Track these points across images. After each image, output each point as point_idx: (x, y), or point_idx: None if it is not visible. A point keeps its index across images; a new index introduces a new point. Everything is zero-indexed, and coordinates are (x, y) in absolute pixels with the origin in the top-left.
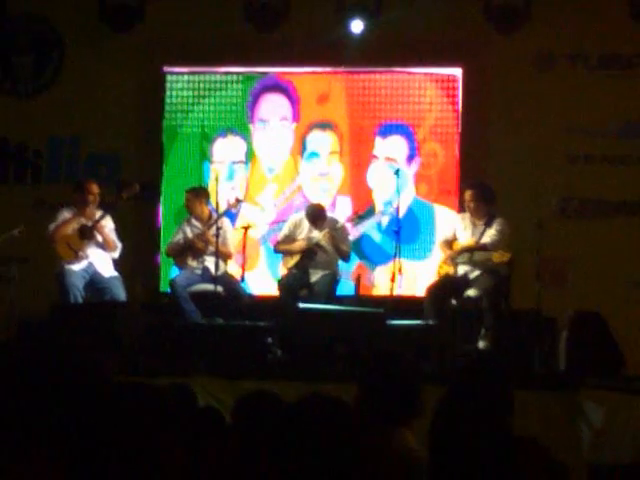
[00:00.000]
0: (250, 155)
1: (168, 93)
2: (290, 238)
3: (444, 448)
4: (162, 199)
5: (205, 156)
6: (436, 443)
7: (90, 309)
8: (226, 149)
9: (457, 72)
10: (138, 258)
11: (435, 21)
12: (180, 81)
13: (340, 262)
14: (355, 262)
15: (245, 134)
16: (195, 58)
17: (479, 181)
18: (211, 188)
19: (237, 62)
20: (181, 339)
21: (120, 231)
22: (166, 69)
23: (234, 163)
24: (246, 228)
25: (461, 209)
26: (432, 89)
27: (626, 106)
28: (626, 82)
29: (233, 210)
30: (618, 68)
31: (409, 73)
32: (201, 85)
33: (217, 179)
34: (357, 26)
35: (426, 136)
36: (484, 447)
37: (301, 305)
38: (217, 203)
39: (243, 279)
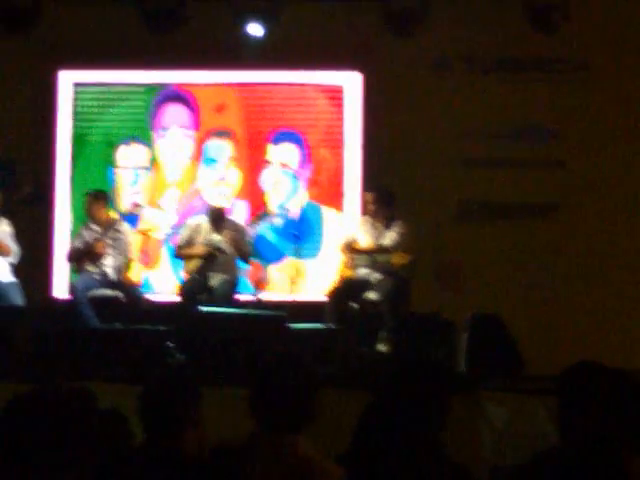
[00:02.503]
0: (152, 161)
1: (76, 102)
2: (190, 242)
3: (369, 462)
4: (71, 205)
5: (110, 162)
6: (359, 457)
7: None
8: (130, 155)
9: (355, 76)
10: (33, 263)
11: (333, 25)
12: (87, 92)
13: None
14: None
15: (147, 142)
16: (91, 60)
17: (379, 184)
18: (115, 192)
19: (134, 65)
20: (79, 345)
21: (17, 236)
22: (65, 74)
23: (137, 169)
24: (144, 232)
25: (363, 212)
26: (321, 99)
27: (522, 109)
28: (522, 86)
29: (134, 214)
30: (514, 72)
31: (301, 85)
32: (106, 96)
33: (120, 183)
34: (255, 29)
35: (316, 143)
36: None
37: (201, 308)
38: (120, 207)
39: (143, 283)
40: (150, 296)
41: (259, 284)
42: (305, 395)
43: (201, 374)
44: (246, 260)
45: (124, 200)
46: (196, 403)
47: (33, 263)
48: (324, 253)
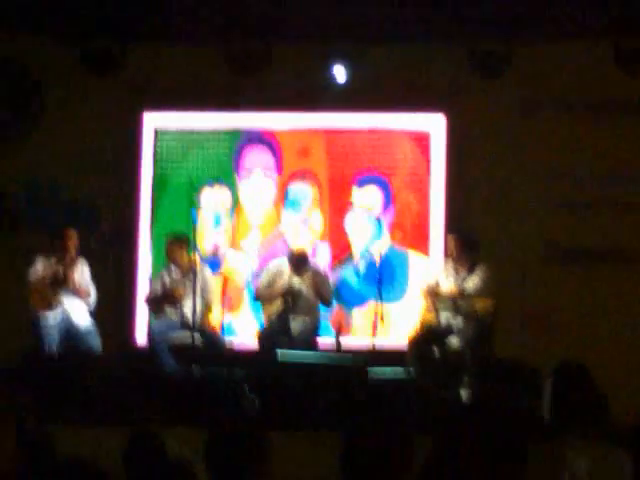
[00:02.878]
0: (235, 204)
1: (159, 144)
2: (270, 285)
3: None
4: (152, 247)
5: (193, 204)
6: None
7: (63, 359)
8: (213, 198)
9: (440, 119)
10: (115, 307)
11: (418, 67)
12: (169, 133)
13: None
14: (334, 305)
15: (231, 184)
16: (176, 103)
17: (462, 228)
18: (197, 235)
19: (218, 108)
20: (155, 390)
21: (97, 279)
22: (149, 116)
23: (220, 211)
24: (226, 276)
25: (445, 256)
26: (406, 143)
27: (611, 153)
28: (610, 129)
29: (215, 257)
30: (603, 114)
31: (386, 131)
32: (189, 137)
33: (203, 225)
34: (340, 72)
35: (400, 186)
36: None
37: (280, 352)
38: (202, 249)
39: (224, 327)
40: (232, 340)
41: (341, 329)
42: (399, 460)
43: (276, 420)
44: (327, 304)
45: (206, 243)
46: (265, 454)
47: (115, 307)
48: (408, 298)
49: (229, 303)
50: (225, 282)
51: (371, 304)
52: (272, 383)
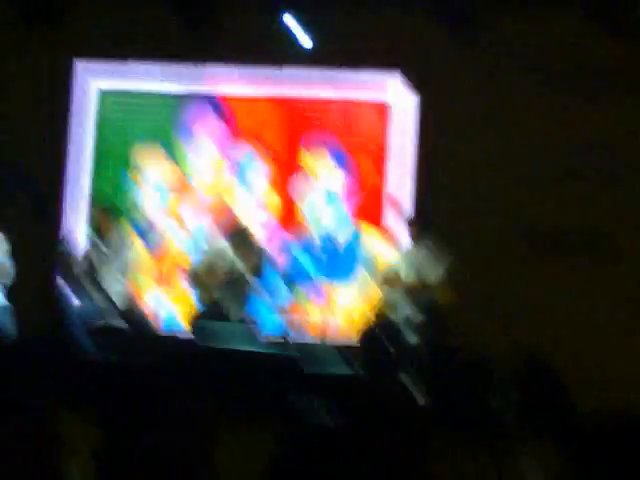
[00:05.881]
0: (180, 173)
1: (100, 109)
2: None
3: None
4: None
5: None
6: None
7: None
8: (157, 171)
9: (400, 85)
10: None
11: (379, 27)
12: (112, 98)
13: None
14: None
15: (177, 157)
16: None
17: (423, 208)
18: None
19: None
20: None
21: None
22: (83, 66)
23: (164, 186)
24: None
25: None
26: (365, 114)
27: (588, 122)
28: (586, 96)
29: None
30: (579, 80)
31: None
32: (134, 102)
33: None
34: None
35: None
36: None
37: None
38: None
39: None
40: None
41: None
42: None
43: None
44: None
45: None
46: None
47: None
48: (360, 280)
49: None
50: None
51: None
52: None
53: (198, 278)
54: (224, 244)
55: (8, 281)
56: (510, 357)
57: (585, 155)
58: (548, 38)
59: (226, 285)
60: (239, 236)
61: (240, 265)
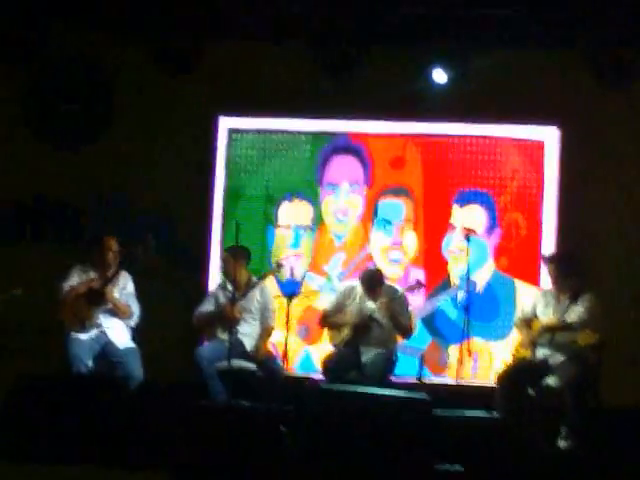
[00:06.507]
0: (318, 220)
1: (232, 151)
2: (339, 309)
3: None
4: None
5: (269, 220)
6: None
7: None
8: (292, 213)
9: (551, 133)
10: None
11: (529, 73)
12: (244, 139)
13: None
14: (428, 340)
15: (313, 198)
16: (255, 107)
17: (563, 251)
18: (276, 254)
19: (303, 113)
20: (200, 423)
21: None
22: (223, 120)
23: (300, 228)
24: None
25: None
26: (515, 155)
27: None
28: None
29: (290, 280)
30: None
31: (491, 138)
32: (267, 144)
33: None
34: (440, 76)
35: (508, 205)
36: None
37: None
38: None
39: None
40: (311, 377)
41: (436, 368)
42: None
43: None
44: (405, 334)
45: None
46: None
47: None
48: (500, 322)
49: (308, 334)
50: (305, 310)
51: (474, 341)
52: (317, 421)
53: (329, 318)
54: (357, 284)
55: (132, 322)
56: None
57: None
58: None
59: (356, 326)
60: (371, 279)
61: (371, 305)
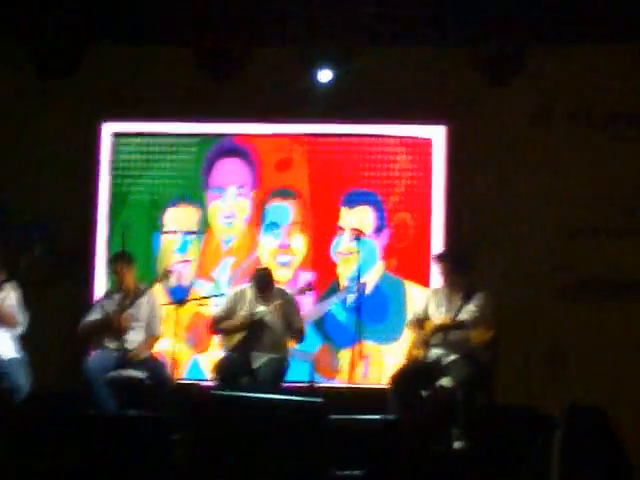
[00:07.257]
0: (204, 225)
1: (117, 156)
2: (229, 314)
3: None
4: (108, 275)
5: (155, 226)
6: None
7: None
8: (178, 218)
9: (438, 131)
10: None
11: (415, 71)
12: (129, 143)
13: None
14: (318, 344)
15: (199, 202)
16: (138, 110)
17: (452, 249)
18: (162, 261)
19: (187, 115)
20: (88, 432)
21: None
22: (106, 125)
23: (187, 234)
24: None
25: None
26: (403, 154)
27: (634, 172)
28: (632, 144)
29: (177, 287)
30: (627, 129)
31: (378, 137)
32: (152, 148)
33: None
34: (325, 76)
35: (396, 205)
36: None
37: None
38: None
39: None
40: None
41: (328, 372)
42: None
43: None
44: (298, 337)
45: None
46: None
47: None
48: (390, 323)
49: (197, 342)
50: (193, 317)
51: (365, 344)
52: (206, 428)
53: (220, 324)
54: (247, 288)
55: (19, 331)
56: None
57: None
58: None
59: (248, 329)
60: (262, 279)
61: (262, 309)
